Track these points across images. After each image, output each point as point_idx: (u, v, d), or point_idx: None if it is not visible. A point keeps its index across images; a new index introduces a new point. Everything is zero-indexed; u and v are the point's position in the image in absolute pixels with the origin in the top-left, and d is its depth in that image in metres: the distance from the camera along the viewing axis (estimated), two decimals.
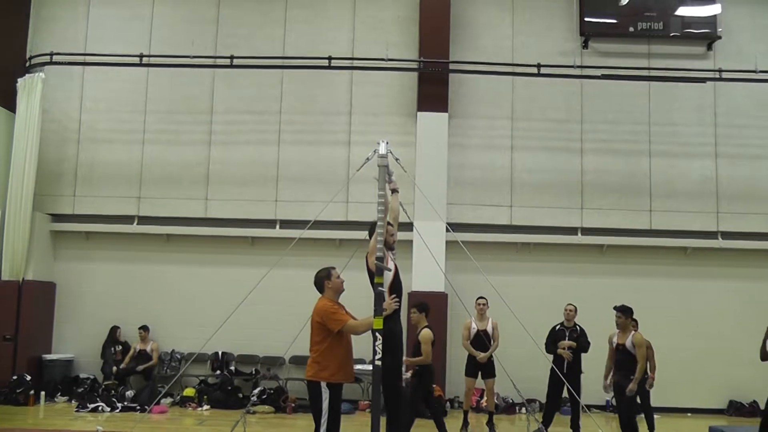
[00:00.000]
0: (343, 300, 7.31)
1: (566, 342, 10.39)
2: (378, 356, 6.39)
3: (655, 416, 10.58)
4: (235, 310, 8.63)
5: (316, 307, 6.58)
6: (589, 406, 9.67)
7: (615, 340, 9.34)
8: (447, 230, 10.97)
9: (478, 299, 10.90)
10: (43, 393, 12.89)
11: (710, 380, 13.57)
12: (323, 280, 6.71)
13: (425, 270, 12.66)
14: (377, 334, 6.35)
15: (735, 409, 13.45)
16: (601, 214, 14.03)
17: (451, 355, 12.97)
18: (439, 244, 12.52)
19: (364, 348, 10.00)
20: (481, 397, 12.02)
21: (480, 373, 10.74)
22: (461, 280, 11.44)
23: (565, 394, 10.43)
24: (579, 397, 9.81)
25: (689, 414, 13.27)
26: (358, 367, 11.92)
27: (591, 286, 13.40)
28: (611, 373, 9.44)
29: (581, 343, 10.35)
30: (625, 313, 9.28)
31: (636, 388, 9.13)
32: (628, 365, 9.16)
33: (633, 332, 9.26)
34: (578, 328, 10.57)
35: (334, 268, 6.81)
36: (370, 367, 7.27)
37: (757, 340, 8.84)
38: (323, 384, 6.41)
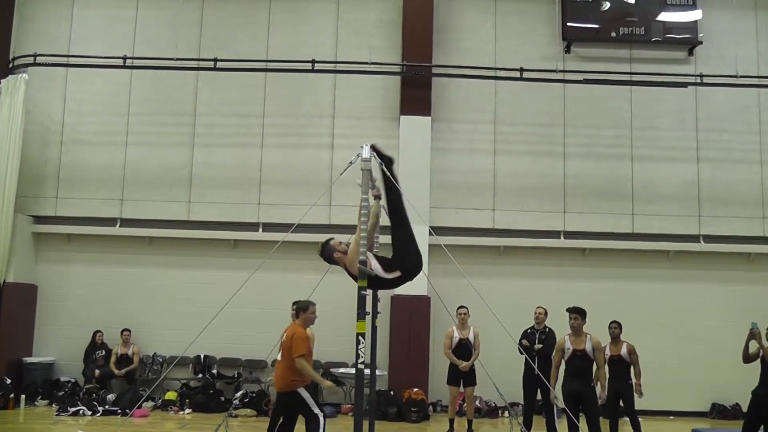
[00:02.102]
0: (328, 303, 8.20)
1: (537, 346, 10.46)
2: (361, 359, 6.39)
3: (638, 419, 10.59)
4: (218, 314, 8.62)
5: (289, 332, 7.98)
6: None
7: (569, 346, 9.18)
8: (430, 233, 10.97)
9: (459, 308, 10.93)
10: (23, 396, 12.80)
11: (693, 383, 13.65)
12: (300, 311, 8.16)
13: None
14: (360, 338, 6.36)
15: (718, 411, 13.52)
16: (584, 217, 14.10)
17: (434, 360, 12.99)
18: (422, 248, 12.48)
19: (347, 351, 10.08)
20: (464, 401, 12.05)
21: (461, 381, 10.78)
22: (444, 284, 11.45)
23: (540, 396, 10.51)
24: (552, 399, 9.84)
25: (672, 417, 13.33)
26: (341, 370, 12.02)
27: (573, 289, 13.40)
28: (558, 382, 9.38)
29: (547, 345, 10.38)
30: (581, 314, 9.24)
31: (606, 395, 9.13)
32: (588, 372, 9.09)
33: (589, 335, 9.19)
34: (547, 330, 10.62)
35: (313, 304, 8.20)
36: (353, 371, 7.31)
37: (740, 343, 8.91)
38: (302, 390, 7.88)
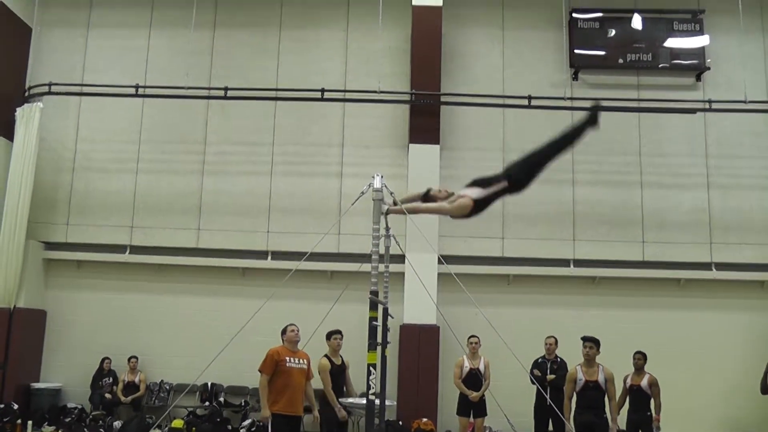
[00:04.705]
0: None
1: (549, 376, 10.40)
2: (372, 390, 6.35)
3: None
4: (230, 343, 8.60)
5: None
6: None
7: (581, 377, 9.11)
8: (439, 262, 10.96)
9: (470, 338, 10.88)
10: (30, 422, 12.75)
11: (706, 414, 13.33)
12: (282, 333, 8.64)
13: (417, 302, 12.64)
14: (371, 368, 6.33)
15: None
16: (594, 245, 13.98)
17: (444, 390, 12.86)
18: (431, 277, 12.49)
19: (355, 380, 9.99)
20: (474, 431, 11.96)
21: (472, 411, 10.69)
22: (453, 313, 11.39)
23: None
24: (565, 430, 9.73)
25: None
26: (349, 400, 11.95)
27: (584, 318, 13.29)
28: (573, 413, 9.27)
29: (559, 376, 10.30)
30: (596, 343, 9.19)
31: (617, 427, 9.01)
32: (601, 403, 8.98)
33: (601, 366, 9.13)
34: (559, 360, 10.54)
35: (292, 325, 8.70)
36: (362, 401, 7.29)
37: (754, 372, 8.84)
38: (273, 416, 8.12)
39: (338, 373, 9.44)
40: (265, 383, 8.17)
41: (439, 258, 10.89)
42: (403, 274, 12.47)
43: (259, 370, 8.28)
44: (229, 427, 12.94)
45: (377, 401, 6.77)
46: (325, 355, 9.48)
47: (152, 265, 14.22)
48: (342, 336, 9.55)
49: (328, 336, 9.40)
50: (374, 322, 6.38)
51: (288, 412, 8.06)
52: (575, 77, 14.48)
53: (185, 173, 14.47)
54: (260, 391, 8.29)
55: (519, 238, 14.01)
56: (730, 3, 14.09)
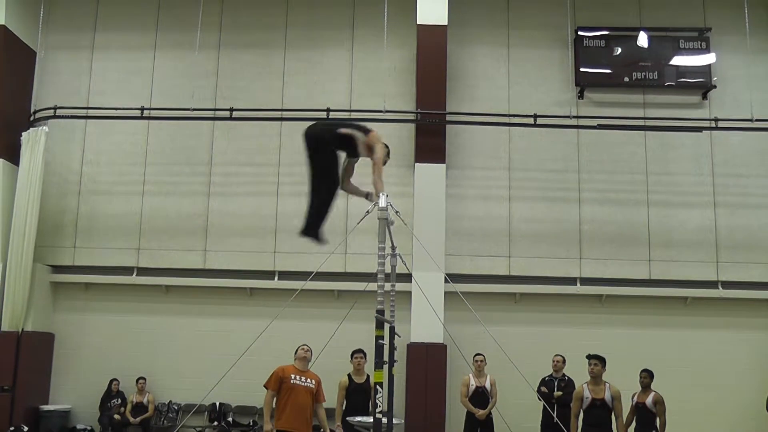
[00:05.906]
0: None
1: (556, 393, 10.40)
2: (379, 409, 6.37)
3: None
4: (237, 363, 8.61)
5: None
6: None
7: (588, 395, 9.11)
8: (446, 281, 10.96)
9: (475, 356, 10.89)
10: None
11: None
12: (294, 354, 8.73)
13: (424, 321, 12.61)
14: (378, 387, 6.33)
15: None
16: (600, 264, 13.95)
17: (451, 408, 12.82)
18: (437, 295, 12.47)
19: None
20: None
21: (479, 429, 10.67)
22: (460, 331, 11.39)
23: None
24: None
25: None
26: (357, 419, 11.93)
27: (590, 336, 13.16)
28: None
29: (566, 393, 10.28)
30: (601, 360, 9.19)
31: None
32: (608, 421, 8.97)
33: (608, 384, 9.12)
34: (566, 378, 10.52)
35: (301, 345, 8.80)
36: (369, 419, 7.29)
37: (760, 391, 8.78)
38: None
39: (359, 392, 9.61)
40: (269, 399, 8.23)
41: (445, 277, 10.89)
42: (409, 292, 12.45)
43: (264, 386, 8.41)
44: None
45: (384, 420, 6.77)
46: (348, 374, 9.73)
47: (159, 287, 14.25)
48: (364, 355, 9.75)
49: (351, 356, 9.65)
50: (381, 341, 6.39)
51: (290, 429, 8.03)
52: (581, 96, 14.49)
53: (191, 194, 14.50)
54: (264, 406, 8.41)
55: (525, 256, 13.98)
56: (736, 22, 14.15)
